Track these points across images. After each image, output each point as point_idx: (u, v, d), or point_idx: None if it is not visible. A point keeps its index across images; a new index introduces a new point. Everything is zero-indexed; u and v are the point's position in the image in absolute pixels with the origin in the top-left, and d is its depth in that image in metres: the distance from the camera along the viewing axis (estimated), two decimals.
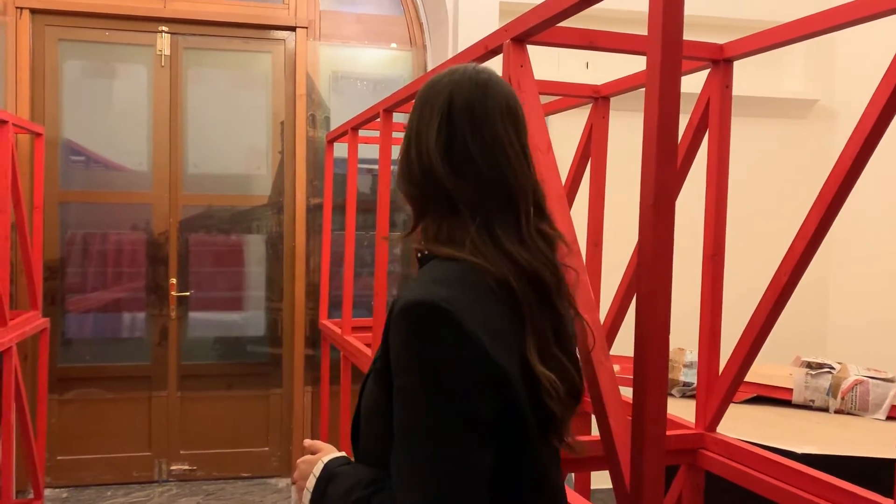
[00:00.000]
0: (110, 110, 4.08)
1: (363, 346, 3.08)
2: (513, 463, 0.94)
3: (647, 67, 1.20)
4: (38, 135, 3.70)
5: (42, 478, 3.72)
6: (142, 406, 4.08)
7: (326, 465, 1.03)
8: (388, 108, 2.73)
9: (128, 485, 4.03)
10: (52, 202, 3.95)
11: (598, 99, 2.34)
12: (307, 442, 1.11)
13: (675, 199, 1.23)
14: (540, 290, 0.97)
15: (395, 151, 4.13)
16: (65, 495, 3.91)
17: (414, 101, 1.05)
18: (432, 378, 0.88)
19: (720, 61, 1.89)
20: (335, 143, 3.85)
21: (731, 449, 1.78)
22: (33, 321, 3.57)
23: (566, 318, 1.02)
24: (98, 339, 4.10)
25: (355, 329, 3.49)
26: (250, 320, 4.27)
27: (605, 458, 1.37)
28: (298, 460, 1.08)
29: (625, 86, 2.28)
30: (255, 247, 4.29)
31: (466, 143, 0.99)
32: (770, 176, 4.18)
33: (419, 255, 1.04)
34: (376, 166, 4.27)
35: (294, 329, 4.21)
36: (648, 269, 1.18)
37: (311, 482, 1.02)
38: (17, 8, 3.82)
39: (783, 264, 1.62)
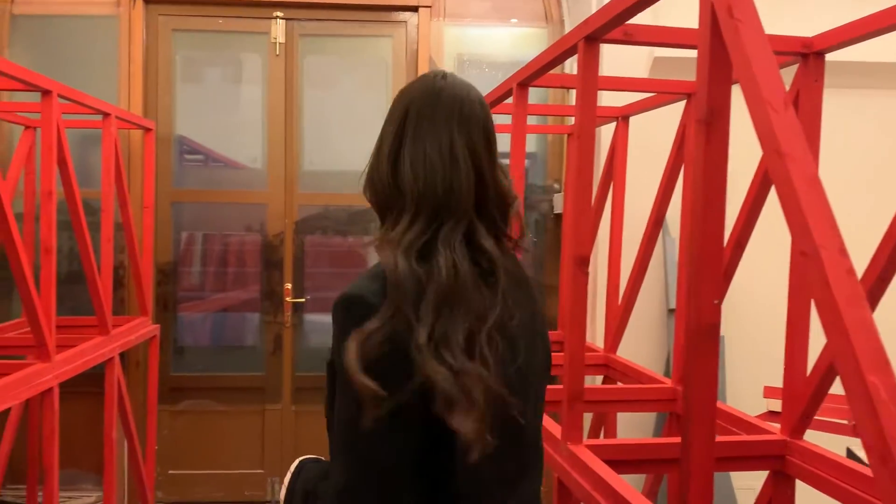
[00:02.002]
0: (223, 103, 3.83)
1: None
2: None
3: None
4: (148, 130, 3.49)
5: (152, 494, 3.50)
6: (255, 420, 3.80)
7: (301, 462, 1.16)
8: (523, 81, 2.24)
9: None
10: (164, 202, 3.74)
11: (809, 56, 1.75)
12: None
13: None
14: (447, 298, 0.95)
15: (531, 138, 3.63)
16: None
17: None
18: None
19: (809, 55, 1.76)
20: None
21: (813, 457, 1.72)
22: (141, 328, 3.35)
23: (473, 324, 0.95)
24: (211, 347, 3.86)
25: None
26: None
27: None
28: None
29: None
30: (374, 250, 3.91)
31: (405, 152, 1.04)
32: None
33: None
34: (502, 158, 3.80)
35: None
36: None
37: (287, 478, 1.14)
38: None
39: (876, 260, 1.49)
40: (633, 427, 3.17)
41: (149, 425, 3.51)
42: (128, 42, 3.63)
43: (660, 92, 2.60)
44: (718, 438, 1.33)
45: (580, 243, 1.70)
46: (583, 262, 1.69)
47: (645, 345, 3.27)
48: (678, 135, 2.54)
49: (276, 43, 3.73)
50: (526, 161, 2.57)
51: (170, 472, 3.76)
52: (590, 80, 1.67)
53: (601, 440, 1.93)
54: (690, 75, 1.41)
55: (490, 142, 1.05)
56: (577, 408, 1.70)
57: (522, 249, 1.11)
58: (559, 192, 3.77)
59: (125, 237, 3.30)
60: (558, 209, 3.74)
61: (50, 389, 2.40)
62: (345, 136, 3.85)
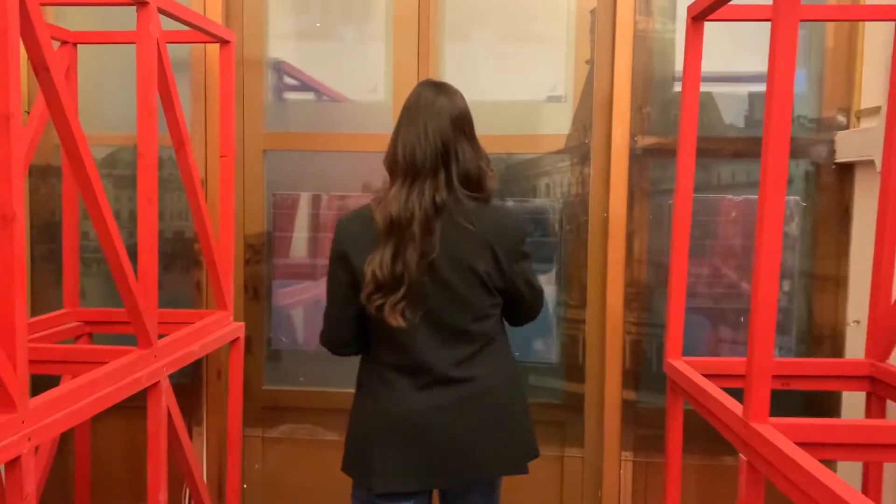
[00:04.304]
0: (333, 13, 2.72)
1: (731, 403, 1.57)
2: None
3: None
4: (226, 43, 2.42)
5: None
6: None
7: None
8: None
9: None
10: (253, 150, 2.70)
11: None
12: None
13: None
14: (397, 228, 1.53)
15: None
16: None
17: None
18: (329, 258, 1.65)
19: None
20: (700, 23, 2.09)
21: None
22: (215, 328, 2.33)
23: (408, 248, 1.53)
24: (318, 351, 2.79)
25: (715, 376, 1.84)
26: (534, 336, 2.70)
27: None
28: None
29: None
30: (542, 218, 2.69)
31: (399, 137, 1.60)
32: None
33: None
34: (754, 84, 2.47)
35: (605, 356, 2.56)
36: None
37: None
38: None
39: None
40: None
41: (230, 458, 2.51)
42: None
43: None
44: None
45: None
46: None
47: None
48: None
49: None
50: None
51: None
52: None
53: (790, 419, 1.45)
54: None
55: (458, 125, 1.58)
56: (762, 379, 1.42)
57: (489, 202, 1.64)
58: (844, 127, 2.39)
59: (189, 200, 2.26)
60: (843, 155, 2.36)
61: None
62: (501, 49, 2.65)
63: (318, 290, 2.81)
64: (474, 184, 1.58)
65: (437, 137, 1.54)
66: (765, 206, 1.40)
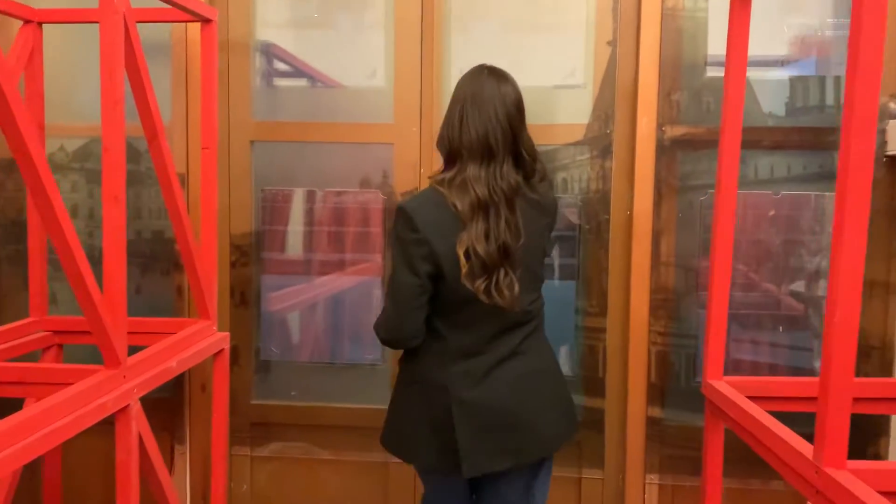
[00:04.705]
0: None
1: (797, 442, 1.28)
2: (441, 293, 1.58)
3: None
4: (207, 21, 2.17)
5: None
6: (376, 474, 2.48)
7: None
8: None
9: None
10: (240, 141, 2.45)
11: None
12: None
13: None
14: (485, 208, 1.53)
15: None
16: None
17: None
18: (396, 245, 1.58)
19: None
20: None
21: None
22: (194, 341, 2.08)
23: (500, 227, 1.54)
24: (311, 362, 2.56)
25: (760, 398, 1.62)
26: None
27: None
28: None
29: None
30: (559, 216, 2.44)
31: (468, 120, 1.59)
32: None
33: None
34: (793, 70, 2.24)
35: (628, 368, 2.32)
36: None
37: None
38: None
39: None
40: None
41: (214, 479, 2.27)
42: None
43: None
44: None
45: None
46: None
47: None
48: None
49: None
50: None
51: None
52: None
53: (872, 463, 1.36)
54: None
55: (520, 111, 1.62)
56: (841, 416, 1.19)
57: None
58: None
59: (165, 197, 2.02)
60: (893, 147, 2.12)
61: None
62: (513, 32, 2.40)
63: (313, 292, 2.58)
64: (532, 165, 1.63)
65: (506, 121, 1.57)
66: (845, 210, 1.16)
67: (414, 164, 2.39)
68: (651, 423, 2.31)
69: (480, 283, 1.53)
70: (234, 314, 2.47)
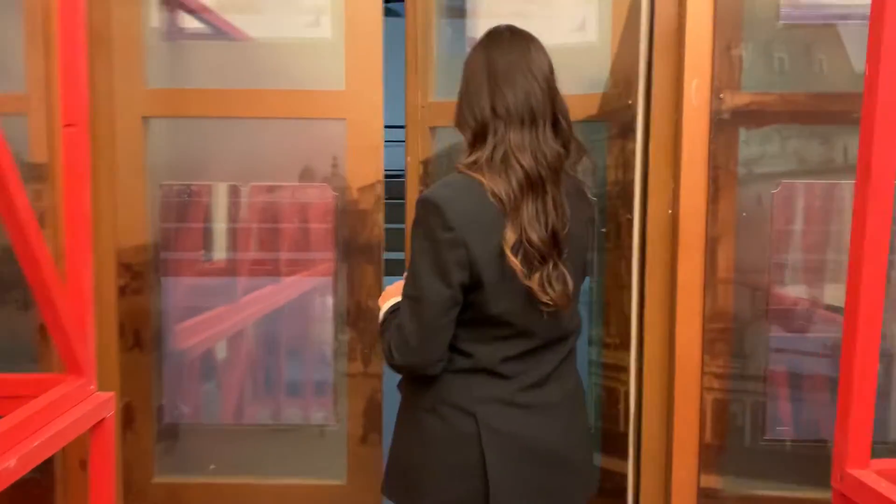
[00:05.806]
0: None
1: None
2: (473, 305, 1.30)
3: None
4: None
5: None
6: None
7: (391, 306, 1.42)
8: None
9: None
10: (129, 117, 1.75)
11: None
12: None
13: None
14: (532, 185, 1.28)
15: None
16: None
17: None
18: (422, 246, 1.28)
19: None
20: None
21: None
22: (60, 408, 1.38)
23: (548, 208, 1.29)
24: (235, 424, 1.88)
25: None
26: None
27: None
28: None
29: None
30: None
31: (502, 88, 1.34)
32: None
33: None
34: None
35: (672, 421, 1.72)
36: None
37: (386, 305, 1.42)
38: None
39: None
40: None
41: None
42: None
43: None
44: None
45: None
46: None
47: None
48: None
49: None
50: None
51: None
52: None
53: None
54: None
55: (552, 72, 1.36)
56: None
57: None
58: None
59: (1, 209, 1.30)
60: None
61: None
62: None
63: (238, 315, 1.93)
64: (568, 134, 1.38)
65: (543, 80, 1.35)
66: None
67: (376, 148, 1.74)
68: (704, 495, 1.71)
69: (536, 278, 1.29)
70: (124, 361, 1.78)
